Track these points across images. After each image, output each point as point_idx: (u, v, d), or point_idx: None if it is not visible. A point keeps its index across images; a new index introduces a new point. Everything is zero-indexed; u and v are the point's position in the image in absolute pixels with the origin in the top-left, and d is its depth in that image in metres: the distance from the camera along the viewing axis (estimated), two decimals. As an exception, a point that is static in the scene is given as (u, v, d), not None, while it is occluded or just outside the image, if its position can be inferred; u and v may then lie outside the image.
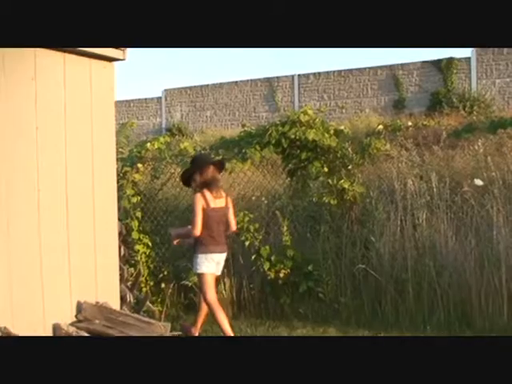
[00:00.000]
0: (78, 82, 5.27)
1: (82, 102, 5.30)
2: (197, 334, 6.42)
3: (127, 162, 8.32)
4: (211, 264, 6.22)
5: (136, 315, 5.52)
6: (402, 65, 23.78)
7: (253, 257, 7.77)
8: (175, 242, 6.59)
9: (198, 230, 6.00)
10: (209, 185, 6.12)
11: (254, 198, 8.94)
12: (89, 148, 5.32)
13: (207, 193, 6.08)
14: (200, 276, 6.29)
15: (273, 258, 7.62)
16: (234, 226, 6.50)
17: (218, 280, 6.94)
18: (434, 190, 7.46)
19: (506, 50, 21.42)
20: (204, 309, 6.43)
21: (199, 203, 6.01)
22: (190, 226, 6.16)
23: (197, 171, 6.19)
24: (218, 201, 6.16)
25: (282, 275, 7.59)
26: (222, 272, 7.84)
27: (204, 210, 6.02)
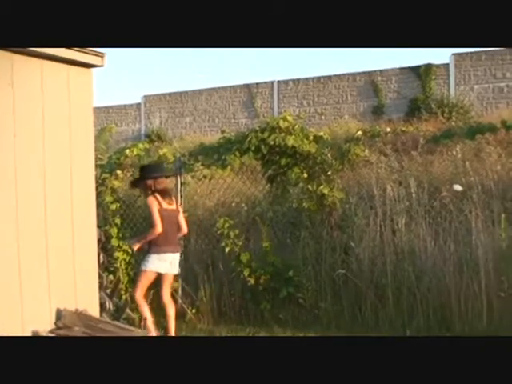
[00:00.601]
0: (56, 88, 5.23)
1: (60, 109, 5.26)
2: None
3: (106, 168, 8.29)
4: (163, 264, 6.54)
5: (115, 322, 5.48)
6: (380, 71, 23.91)
7: (233, 263, 7.77)
8: (136, 249, 6.86)
9: (159, 227, 6.42)
10: (162, 193, 6.61)
11: (233, 204, 8.95)
12: (67, 155, 5.27)
13: (158, 196, 6.54)
14: (141, 273, 6.61)
15: (253, 264, 7.62)
16: (185, 229, 6.91)
17: (175, 279, 7.37)
18: (413, 195, 7.51)
19: (483, 56, 21.61)
20: (168, 313, 6.71)
21: (154, 204, 6.47)
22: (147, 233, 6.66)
23: (151, 179, 6.62)
24: (169, 206, 6.64)
25: (262, 281, 7.60)
26: (202, 278, 7.86)
27: (158, 211, 6.46)
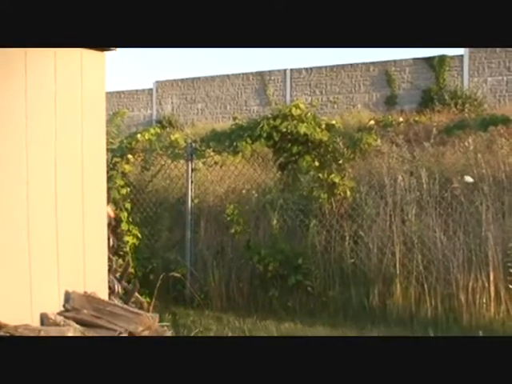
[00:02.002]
0: (69, 71, 5.23)
1: (73, 93, 5.27)
2: None
3: (117, 152, 8.30)
4: None
5: (124, 306, 5.51)
6: (394, 61, 23.78)
7: (242, 249, 7.78)
8: None
9: None
10: None
11: (244, 191, 8.95)
12: (79, 138, 5.29)
13: None
14: None
15: (262, 251, 7.63)
16: None
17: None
18: (424, 186, 7.48)
19: (498, 48, 21.46)
20: None
21: None
22: None
23: None
24: None
25: (270, 268, 7.60)
26: (211, 264, 7.88)
27: None
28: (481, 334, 5.22)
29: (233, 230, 7.86)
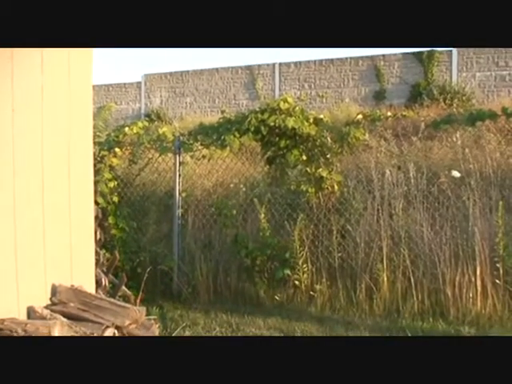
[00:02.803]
0: (56, 64, 5.20)
1: (60, 86, 5.24)
2: None
3: (105, 146, 8.27)
4: None
5: (111, 299, 5.50)
6: (383, 56, 23.81)
7: (230, 243, 7.78)
8: None
9: None
10: None
11: (232, 185, 8.95)
12: (65, 130, 5.27)
13: None
14: None
15: (250, 245, 7.64)
16: None
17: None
18: (412, 180, 7.50)
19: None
20: None
21: None
22: None
23: None
24: None
25: (258, 262, 7.62)
26: (199, 258, 7.89)
27: None
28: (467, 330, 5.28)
29: (220, 224, 7.86)
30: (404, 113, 8.48)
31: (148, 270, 7.27)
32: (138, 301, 6.14)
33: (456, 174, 7.42)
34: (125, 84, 29.75)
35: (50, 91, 5.11)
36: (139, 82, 29.34)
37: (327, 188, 7.76)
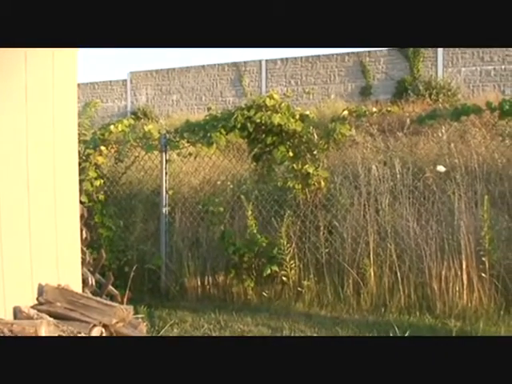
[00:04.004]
0: (40, 63, 5.18)
1: (44, 84, 5.22)
2: None
3: (90, 144, 8.24)
4: None
5: (98, 298, 5.49)
6: (369, 52, 23.87)
7: (217, 241, 7.78)
8: None
9: None
10: None
11: (219, 182, 8.95)
12: (50, 129, 5.25)
13: None
14: None
15: (237, 242, 7.64)
16: None
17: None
18: (398, 175, 7.53)
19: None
20: None
21: None
22: None
23: None
24: None
25: (246, 259, 7.63)
26: (186, 255, 7.89)
27: None
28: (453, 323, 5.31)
29: (208, 222, 7.85)
30: (390, 108, 8.50)
31: (135, 268, 7.27)
32: (125, 299, 6.14)
33: (441, 168, 7.45)
34: (110, 82, 29.67)
35: (34, 90, 5.09)
36: (125, 80, 29.28)
37: (314, 184, 7.77)
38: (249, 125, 7.82)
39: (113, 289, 6.30)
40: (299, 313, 7.01)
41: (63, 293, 5.12)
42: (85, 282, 5.83)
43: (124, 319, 5.04)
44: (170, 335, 6.14)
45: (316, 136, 7.79)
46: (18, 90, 4.98)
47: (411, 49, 22.74)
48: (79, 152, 6.15)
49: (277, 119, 7.67)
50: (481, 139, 8.16)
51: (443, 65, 22.43)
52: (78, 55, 5.52)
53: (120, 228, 8.37)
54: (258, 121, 7.76)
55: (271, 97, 7.91)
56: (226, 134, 7.92)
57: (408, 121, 8.63)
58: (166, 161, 8.30)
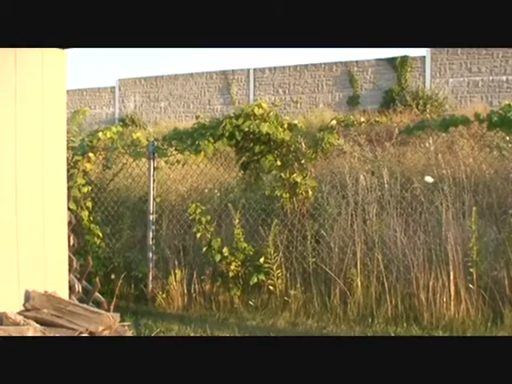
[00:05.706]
0: (30, 68, 5.16)
1: (33, 90, 5.19)
2: None
3: (78, 150, 8.22)
4: None
5: (85, 305, 5.45)
6: (356, 61, 23.98)
7: (204, 249, 7.76)
8: None
9: None
10: None
11: (206, 190, 8.94)
12: (39, 135, 5.22)
13: None
14: None
15: (224, 251, 7.63)
16: None
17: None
18: (385, 185, 7.55)
19: (459, 49, 21.77)
20: None
21: None
22: None
23: None
24: None
25: (232, 267, 7.61)
26: (173, 263, 7.87)
27: None
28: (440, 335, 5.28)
29: (195, 229, 7.84)
30: (377, 118, 8.54)
31: (122, 275, 7.24)
32: (112, 307, 6.10)
33: (429, 179, 7.48)
34: (99, 89, 29.63)
35: (23, 96, 5.06)
36: (113, 87, 29.25)
37: (301, 193, 7.78)
38: (237, 133, 7.82)
39: (99, 296, 6.27)
40: (286, 322, 7.02)
41: (50, 299, 5.09)
42: (71, 288, 5.79)
43: (110, 327, 5.01)
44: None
45: (304, 145, 7.80)
46: (7, 94, 4.95)
47: (399, 58, 22.88)
48: (67, 158, 6.13)
49: (265, 128, 7.68)
50: (469, 150, 8.20)
51: (431, 75, 22.58)
52: (67, 58, 5.50)
53: (107, 235, 8.34)
54: (247, 129, 7.77)
55: (259, 106, 7.93)
56: (214, 142, 7.91)
57: (396, 131, 8.68)
58: (154, 168, 8.29)
